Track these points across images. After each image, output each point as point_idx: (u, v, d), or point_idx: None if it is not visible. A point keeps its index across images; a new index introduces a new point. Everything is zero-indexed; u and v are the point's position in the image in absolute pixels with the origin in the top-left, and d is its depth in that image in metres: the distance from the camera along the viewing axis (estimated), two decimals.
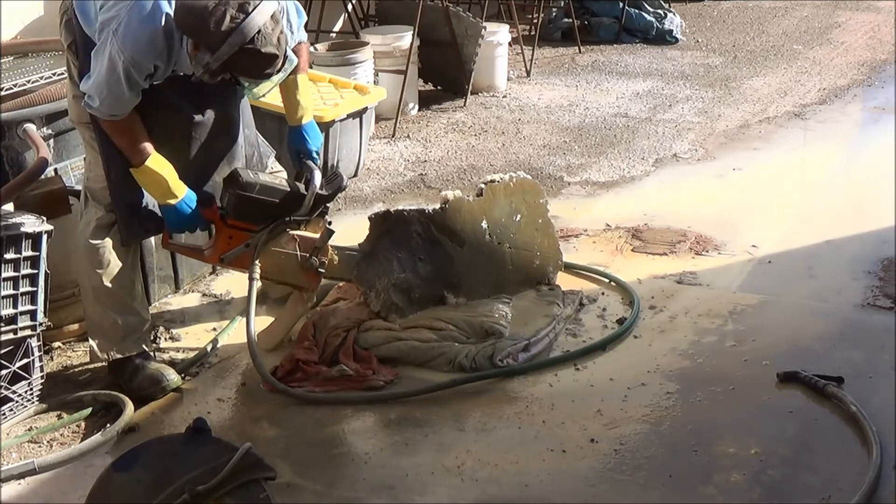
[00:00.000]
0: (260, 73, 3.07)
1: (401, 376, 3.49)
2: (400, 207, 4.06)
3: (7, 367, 3.12)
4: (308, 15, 3.66)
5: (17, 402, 3.21)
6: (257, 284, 3.48)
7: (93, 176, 3.37)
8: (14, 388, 3.17)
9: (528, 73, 7.65)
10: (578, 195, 5.25)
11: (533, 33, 8.22)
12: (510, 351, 3.55)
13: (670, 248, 4.50)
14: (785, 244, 4.51)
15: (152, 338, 3.69)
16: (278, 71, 3.10)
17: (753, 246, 4.49)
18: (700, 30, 9.24)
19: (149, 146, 3.19)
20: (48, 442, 3.18)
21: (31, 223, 3.08)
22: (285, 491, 2.85)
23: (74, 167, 3.73)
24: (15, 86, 3.79)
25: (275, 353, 3.59)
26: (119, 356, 3.42)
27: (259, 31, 2.96)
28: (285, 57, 3.10)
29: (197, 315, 4.00)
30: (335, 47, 6.44)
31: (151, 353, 3.54)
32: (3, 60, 4.24)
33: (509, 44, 7.29)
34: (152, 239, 3.74)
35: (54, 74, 3.89)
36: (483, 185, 4.00)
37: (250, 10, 2.96)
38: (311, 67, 5.11)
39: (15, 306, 3.08)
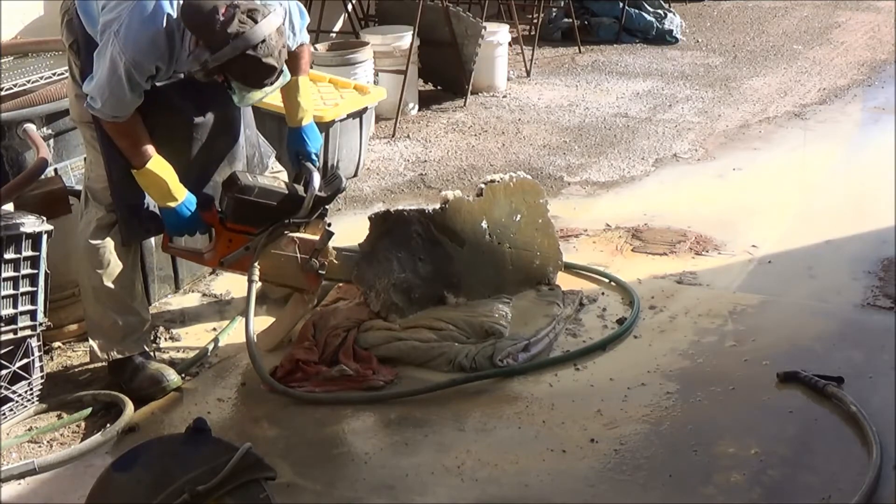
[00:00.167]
0: (256, 81, 3.09)
1: (401, 376, 3.49)
2: (400, 207, 4.07)
3: (7, 367, 3.12)
4: (308, 15, 3.66)
5: (17, 402, 3.21)
6: (257, 286, 3.49)
7: (94, 176, 3.37)
8: (14, 388, 3.17)
9: (528, 73, 7.65)
10: (578, 195, 5.25)
11: (533, 33, 8.22)
12: (510, 351, 3.55)
13: (670, 248, 4.50)
14: (785, 244, 4.51)
15: (152, 338, 3.69)
16: (272, 83, 3.11)
17: (753, 246, 4.49)
18: (700, 30, 9.24)
19: (150, 148, 3.19)
20: (48, 442, 3.18)
21: (31, 223, 3.08)
22: (285, 491, 2.86)
23: (74, 167, 3.73)
24: (15, 86, 3.79)
25: (275, 354, 3.59)
26: (119, 356, 3.42)
27: (264, 41, 2.99)
28: (281, 71, 3.11)
29: (197, 315, 4.00)
30: (335, 47, 6.44)
31: (151, 353, 3.55)
32: (3, 60, 4.24)
33: (509, 44, 7.29)
34: (152, 239, 3.74)
35: (54, 74, 3.89)
36: (483, 185, 4.00)
37: (259, 18, 2.99)
38: (311, 68, 5.10)
39: (15, 306, 3.08)
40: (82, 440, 3.16)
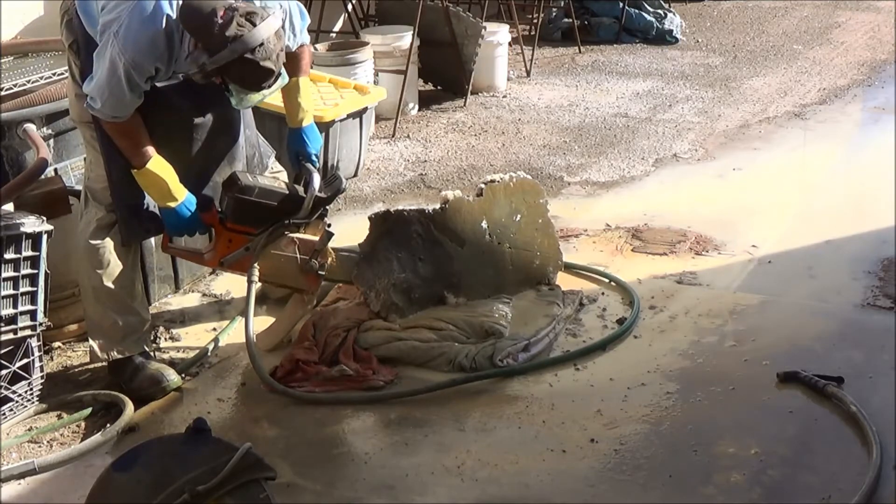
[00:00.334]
0: (253, 84, 3.09)
1: (401, 376, 3.49)
2: (400, 207, 4.06)
3: (7, 367, 3.12)
4: (308, 16, 3.66)
5: (17, 402, 3.21)
6: (257, 286, 3.48)
7: (94, 176, 3.37)
8: (14, 388, 3.17)
9: (528, 73, 7.65)
10: (578, 195, 5.25)
11: (533, 33, 8.22)
12: (510, 351, 3.55)
13: (670, 248, 4.50)
14: (785, 244, 4.51)
15: (152, 338, 3.69)
16: (270, 86, 3.11)
17: (753, 246, 4.49)
18: (700, 30, 9.24)
19: (150, 149, 3.19)
20: (48, 442, 3.18)
21: (31, 223, 3.08)
22: (285, 491, 2.86)
23: (74, 167, 3.73)
24: (15, 86, 3.79)
25: (275, 354, 3.59)
26: (119, 356, 3.42)
27: (262, 44, 2.99)
28: (278, 74, 3.11)
29: (197, 315, 4.00)
30: (335, 47, 6.44)
31: (152, 354, 3.55)
32: (3, 60, 4.24)
33: (509, 44, 7.29)
34: (152, 239, 3.74)
35: (54, 74, 3.89)
36: (483, 185, 4.00)
37: (258, 21, 2.99)
38: (311, 68, 5.10)
39: (15, 306, 3.08)
40: (82, 440, 3.16)
